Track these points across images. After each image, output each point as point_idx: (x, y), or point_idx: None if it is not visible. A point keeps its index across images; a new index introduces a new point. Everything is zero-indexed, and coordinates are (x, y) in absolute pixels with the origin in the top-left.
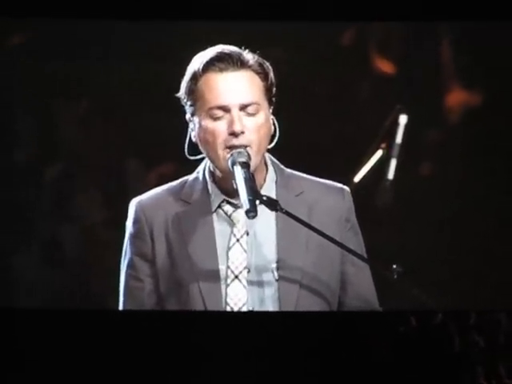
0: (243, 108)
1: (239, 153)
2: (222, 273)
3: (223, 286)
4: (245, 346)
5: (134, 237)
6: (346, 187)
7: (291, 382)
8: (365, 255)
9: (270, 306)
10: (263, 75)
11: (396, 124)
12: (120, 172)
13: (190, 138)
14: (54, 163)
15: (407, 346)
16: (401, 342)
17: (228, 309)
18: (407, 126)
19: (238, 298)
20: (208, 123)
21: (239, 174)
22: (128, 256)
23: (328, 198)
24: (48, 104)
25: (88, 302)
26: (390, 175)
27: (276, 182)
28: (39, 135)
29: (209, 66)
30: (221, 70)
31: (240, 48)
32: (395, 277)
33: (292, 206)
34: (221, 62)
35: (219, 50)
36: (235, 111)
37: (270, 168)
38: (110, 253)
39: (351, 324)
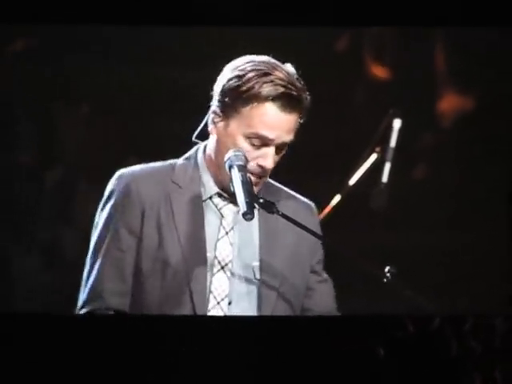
0: (279, 147)
1: (236, 156)
2: (210, 261)
3: (209, 274)
4: (228, 350)
5: (123, 207)
6: (312, 204)
7: None
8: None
9: (247, 302)
10: (304, 112)
11: (390, 128)
12: None
13: (206, 124)
14: (54, 166)
15: (404, 351)
16: (397, 347)
17: (211, 297)
18: (401, 131)
19: (221, 288)
20: (240, 140)
21: (236, 176)
22: (114, 225)
23: (299, 212)
24: (48, 108)
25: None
26: (385, 178)
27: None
28: (39, 139)
29: (274, 99)
30: (278, 108)
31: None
32: (389, 278)
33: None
34: (285, 100)
35: (285, 89)
36: (271, 149)
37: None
38: None
39: (348, 328)
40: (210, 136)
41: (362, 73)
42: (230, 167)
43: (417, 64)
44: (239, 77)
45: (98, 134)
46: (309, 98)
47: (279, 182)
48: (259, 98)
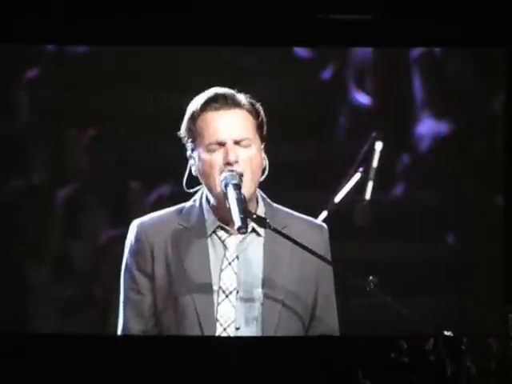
0: (237, 142)
1: (232, 176)
2: (215, 292)
3: (215, 304)
4: (231, 371)
5: (136, 254)
6: (324, 225)
7: None
8: (334, 288)
9: (255, 326)
10: (255, 114)
11: (372, 150)
12: (123, 193)
13: (190, 172)
14: (64, 186)
15: (399, 371)
16: (392, 367)
17: (218, 325)
18: (382, 152)
19: (227, 315)
20: (206, 156)
21: (231, 194)
22: (129, 271)
23: (309, 234)
24: (59, 131)
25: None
26: (368, 196)
27: (265, 214)
28: (50, 160)
29: (205, 106)
30: (217, 109)
31: (233, 89)
32: (371, 287)
33: (278, 237)
34: (216, 102)
35: (214, 92)
36: (230, 145)
37: (260, 202)
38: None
39: (342, 349)
40: (199, 177)
41: (345, 100)
42: (226, 185)
43: (395, 91)
44: (187, 115)
45: (104, 155)
46: (248, 97)
47: (276, 200)
48: (200, 114)
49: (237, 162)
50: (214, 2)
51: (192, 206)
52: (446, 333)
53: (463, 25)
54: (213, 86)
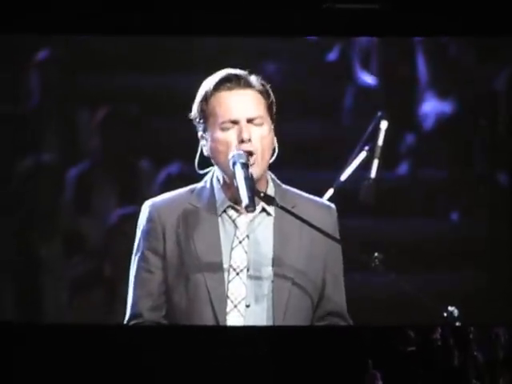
0: (250, 121)
1: (239, 155)
2: (225, 270)
3: (226, 282)
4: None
5: (148, 234)
6: (332, 205)
7: None
8: (342, 267)
9: (265, 303)
10: (266, 95)
11: (378, 129)
12: (133, 172)
13: (202, 153)
14: (77, 163)
15: (406, 361)
16: (400, 357)
17: (229, 302)
18: (387, 131)
19: (238, 293)
20: (220, 135)
21: (240, 173)
22: (141, 250)
23: (317, 214)
24: (72, 111)
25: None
26: (373, 174)
27: (275, 194)
28: (62, 138)
29: (219, 86)
30: (229, 89)
31: (245, 71)
32: (376, 263)
33: (287, 216)
34: (229, 82)
35: (227, 72)
36: (243, 123)
37: (270, 183)
38: (124, 242)
39: (351, 339)
40: (211, 158)
41: (352, 80)
42: (234, 164)
43: (400, 72)
44: (199, 96)
45: (115, 134)
46: (260, 79)
47: (284, 179)
48: (213, 94)
49: (250, 140)
50: None
51: (203, 187)
52: (449, 308)
53: (469, 15)
54: (223, 68)
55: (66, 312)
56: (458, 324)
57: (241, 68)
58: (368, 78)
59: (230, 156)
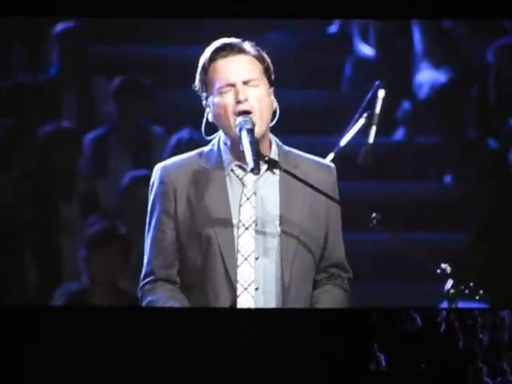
0: (246, 83)
1: (245, 120)
2: (235, 225)
3: (235, 236)
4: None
5: (160, 196)
6: (332, 164)
7: (292, 381)
8: (341, 222)
9: (274, 255)
10: (260, 59)
11: (376, 97)
12: (145, 137)
13: (207, 120)
14: (93, 129)
15: (411, 344)
16: (404, 340)
17: (239, 255)
18: (385, 99)
19: (247, 246)
20: (219, 99)
21: (245, 138)
22: (154, 212)
23: (318, 172)
24: (88, 80)
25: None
26: (371, 139)
27: (278, 156)
28: (80, 106)
29: (214, 55)
30: (224, 57)
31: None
32: (375, 223)
33: (290, 176)
34: (224, 50)
35: (221, 42)
36: (239, 85)
37: (274, 145)
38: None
39: (353, 321)
40: (215, 123)
41: (351, 52)
42: (240, 130)
43: (397, 44)
44: (199, 67)
45: (128, 102)
46: (254, 45)
47: (288, 143)
48: (210, 64)
49: (246, 100)
50: None
51: (210, 150)
52: (442, 265)
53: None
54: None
55: (82, 266)
56: (450, 283)
57: (244, 38)
58: (367, 50)
59: (236, 122)
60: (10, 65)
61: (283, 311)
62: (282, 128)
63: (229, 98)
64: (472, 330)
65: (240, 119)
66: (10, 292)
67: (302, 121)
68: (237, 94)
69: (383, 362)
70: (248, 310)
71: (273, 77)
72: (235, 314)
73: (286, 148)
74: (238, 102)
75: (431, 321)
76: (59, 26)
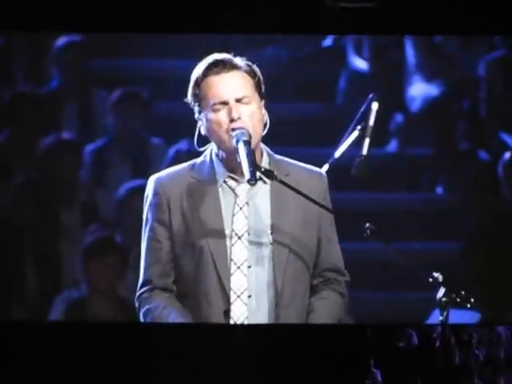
0: (238, 100)
1: (242, 133)
2: (228, 235)
3: (228, 245)
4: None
5: (154, 206)
6: (323, 172)
7: None
8: (335, 228)
9: (266, 264)
10: (252, 74)
11: (369, 110)
12: (144, 148)
13: (199, 132)
14: (93, 140)
15: (407, 359)
16: (400, 355)
17: (232, 263)
18: (378, 112)
19: (240, 255)
20: (212, 116)
21: (242, 149)
22: (149, 222)
23: (309, 180)
24: (88, 93)
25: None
26: (365, 151)
27: (269, 164)
28: (80, 119)
29: (207, 71)
30: (217, 73)
31: (230, 54)
32: (368, 233)
33: (282, 185)
34: (216, 66)
35: (213, 58)
36: (232, 103)
37: (265, 154)
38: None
39: (351, 337)
40: (208, 136)
41: (345, 65)
42: (237, 142)
43: (390, 57)
44: (191, 82)
45: (127, 114)
46: (245, 60)
47: (284, 155)
48: (203, 79)
49: (239, 117)
50: None
51: (203, 162)
52: (434, 274)
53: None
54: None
55: (80, 275)
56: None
57: (239, 51)
58: (360, 63)
59: (233, 134)
60: (12, 77)
61: (279, 326)
62: (278, 140)
63: (222, 115)
64: (468, 346)
65: (237, 131)
66: (11, 299)
67: (297, 132)
68: (230, 111)
69: (379, 378)
70: (243, 326)
71: (263, 89)
72: (230, 329)
73: (277, 157)
74: (232, 120)
75: (427, 336)
76: (60, 41)
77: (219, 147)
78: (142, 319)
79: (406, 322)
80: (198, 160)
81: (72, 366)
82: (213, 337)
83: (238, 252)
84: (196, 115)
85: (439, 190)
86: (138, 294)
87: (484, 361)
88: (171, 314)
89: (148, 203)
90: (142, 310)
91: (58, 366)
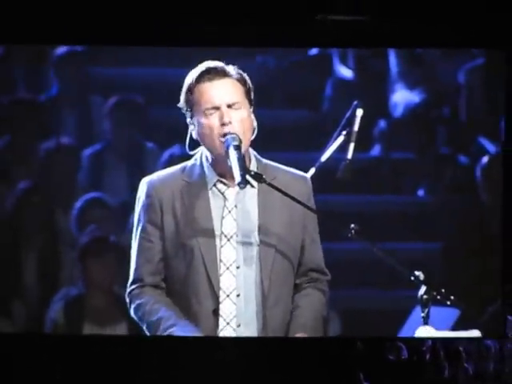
0: (229, 106)
1: (232, 137)
2: (217, 236)
3: (218, 247)
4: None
5: (147, 208)
6: (307, 176)
7: None
8: (318, 229)
9: (254, 264)
10: (243, 82)
11: (354, 116)
12: (139, 152)
13: (191, 136)
14: (91, 145)
15: (396, 372)
16: (390, 368)
17: (221, 264)
18: (362, 118)
19: (229, 256)
20: (204, 121)
21: (233, 154)
22: (141, 223)
23: (295, 184)
24: (86, 100)
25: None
26: (349, 155)
27: (257, 168)
28: (78, 124)
29: (200, 78)
30: (210, 80)
31: (222, 62)
32: (353, 233)
33: (268, 188)
34: (209, 73)
35: (206, 65)
36: (224, 108)
37: (253, 158)
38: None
39: (339, 350)
40: (199, 140)
41: (331, 73)
42: (228, 146)
43: (374, 66)
44: (184, 88)
45: (122, 120)
46: (236, 68)
47: (272, 159)
48: (195, 85)
49: (230, 122)
50: (214, 3)
51: (193, 165)
52: (416, 273)
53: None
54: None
55: (78, 276)
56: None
57: (229, 60)
58: (346, 72)
59: (224, 139)
60: (12, 85)
61: (268, 340)
62: (267, 145)
63: (214, 120)
64: (457, 359)
65: (228, 136)
66: (11, 297)
67: (285, 138)
68: (221, 116)
69: None
70: (232, 339)
71: (253, 96)
72: (219, 342)
73: (264, 161)
74: (223, 125)
75: (417, 350)
76: (59, 50)
77: (210, 151)
78: (132, 314)
79: (393, 328)
80: (189, 163)
81: (57, 377)
82: (203, 350)
83: (227, 253)
84: (188, 120)
85: (421, 192)
86: (128, 290)
87: (473, 374)
88: (161, 308)
89: (140, 204)
90: (133, 306)
91: (50, 378)
